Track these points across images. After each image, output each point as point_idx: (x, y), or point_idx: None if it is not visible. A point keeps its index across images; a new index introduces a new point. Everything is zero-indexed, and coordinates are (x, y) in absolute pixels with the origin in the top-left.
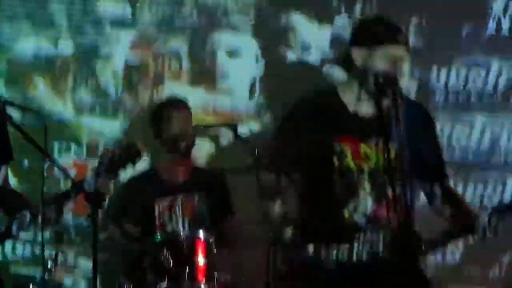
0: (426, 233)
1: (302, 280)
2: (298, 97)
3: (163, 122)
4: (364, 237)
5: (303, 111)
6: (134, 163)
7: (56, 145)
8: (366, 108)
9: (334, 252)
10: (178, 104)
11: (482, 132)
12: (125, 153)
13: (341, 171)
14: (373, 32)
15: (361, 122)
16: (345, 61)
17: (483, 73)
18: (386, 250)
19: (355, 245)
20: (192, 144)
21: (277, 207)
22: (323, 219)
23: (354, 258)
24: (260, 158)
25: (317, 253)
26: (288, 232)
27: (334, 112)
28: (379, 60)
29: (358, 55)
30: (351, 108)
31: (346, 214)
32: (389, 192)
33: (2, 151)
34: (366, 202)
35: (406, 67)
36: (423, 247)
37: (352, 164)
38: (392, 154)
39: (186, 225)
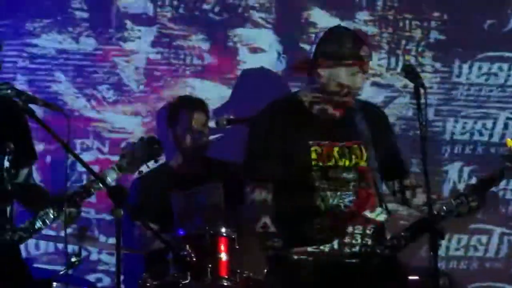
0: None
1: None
2: (265, 105)
3: (175, 120)
4: (345, 233)
5: (270, 118)
6: (155, 159)
7: (78, 142)
8: (328, 111)
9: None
10: (192, 104)
11: (504, 127)
12: (146, 148)
13: (320, 172)
14: (337, 47)
15: (330, 126)
16: (311, 69)
17: (505, 67)
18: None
19: (340, 245)
20: (205, 147)
21: (256, 194)
22: (306, 219)
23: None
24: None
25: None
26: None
27: (302, 117)
28: (342, 73)
29: (323, 66)
30: (316, 113)
31: (325, 209)
32: (365, 190)
33: (26, 151)
34: (342, 197)
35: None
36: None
37: (322, 164)
38: (359, 153)
39: (204, 218)
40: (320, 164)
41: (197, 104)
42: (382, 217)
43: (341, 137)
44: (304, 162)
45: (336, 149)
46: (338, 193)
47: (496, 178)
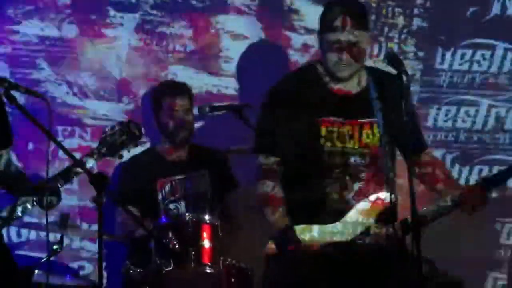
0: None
1: (292, 263)
2: (279, 79)
3: (158, 106)
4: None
5: (283, 94)
6: (135, 142)
7: (60, 129)
8: (344, 86)
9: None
10: (174, 89)
11: (487, 114)
12: (126, 132)
13: (323, 148)
14: (322, 19)
15: (343, 101)
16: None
17: (487, 55)
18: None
19: (347, 226)
20: (187, 132)
21: (270, 188)
22: (310, 201)
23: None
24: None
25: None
26: (281, 213)
27: (316, 91)
28: (328, 47)
29: (320, 40)
30: (329, 86)
31: (334, 195)
32: (375, 173)
33: (2, 135)
34: (352, 178)
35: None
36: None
37: (331, 142)
38: (375, 132)
39: (190, 206)
40: (329, 145)
41: (180, 89)
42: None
43: (354, 114)
44: (313, 140)
45: (347, 128)
46: (343, 182)
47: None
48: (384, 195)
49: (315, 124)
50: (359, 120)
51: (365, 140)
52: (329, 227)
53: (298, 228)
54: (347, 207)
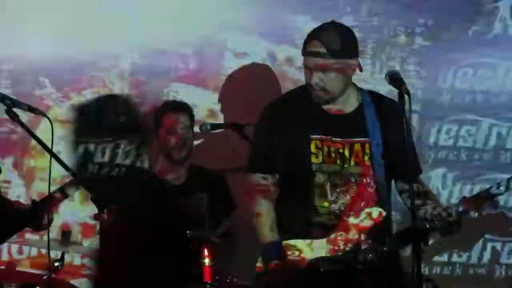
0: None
1: (280, 279)
2: (272, 99)
3: (159, 126)
4: (338, 237)
5: (277, 112)
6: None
7: (62, 145)
8: (339, 107)
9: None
10: (175, 107)
11: (489, 133)
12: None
13: (318, 169)
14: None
15: (335, 120)
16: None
17: (489, 73)
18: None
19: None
20: (187, 150)
21: (261, 206)
22: (299, 217)
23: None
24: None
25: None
26: (269, 232)
27: (308, 110)
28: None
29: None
30: (323, 106)
31: (323, 212)
32: (365, 189)
33: None
34: (340, 197)
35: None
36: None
37: (322, 160)
38: (366, 151)
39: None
40: (319, 162)
41: (181, 108)
42: (366, 223)
43: (344, 133)
44: (303, 157)
45: (337, 146)
46: (334, 195)
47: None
48: (374, 210)
49: (305, 142)
50: (350, 139)
51: (355, 159)
52: (318, 242)
53: (294, 242)
54: (337, 222)
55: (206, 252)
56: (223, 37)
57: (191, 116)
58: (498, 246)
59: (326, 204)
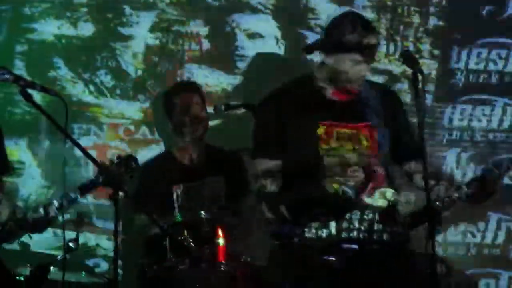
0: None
1: (294, 257)
2: (275, 87)
3: (172, 108)
4: (352, 216)
5: (282, 98)
6: (131, 174)
7: (76, 127)
8: (340, 95)
9: (325, 230)
10: (185, 88)
11: (503, 113)
12: (123, 167)
13: (327, 153)
14: (341, 35)
15: (340, 107)
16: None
17: (503, 54)
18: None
19: (345, 223)
20: (202, 129)
21: (268, 186)
22: (310, 200)
23: (344, 235)
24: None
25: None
26: (282, 210)
27: (313, 98)
28: (346, 62)
29: (329, 54)
30: (327, 93)
31: (334, 194)
32: (373, 171)
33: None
34: (351, 182)
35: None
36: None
37: (333, 146)
38: (373, 136)
39: (205, 208)
40: (325, 146)
41: (192, 88)
42: (381, 202)
43: (348, 118)
44: (311, 142)
45: (343, 130)
46: (342, 178)
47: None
48: (388, 191)
49: (313, 127)
50: (356, 124)
51: (363, 142)
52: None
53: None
54: (348, 204)
55: (220, 232)
56: (236, 18)
57: (202, 96)
58: None
59: (336, 186)
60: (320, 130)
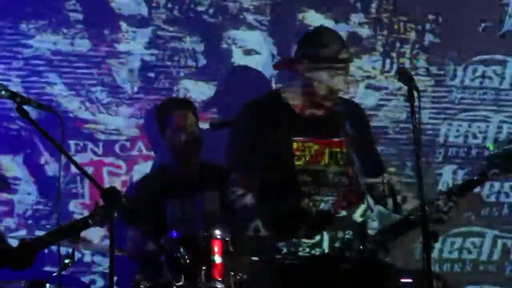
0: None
1: (273, 271)
2: (247, 101)
3: (164, 124)
4: (328, 232)
5: (255, 113)
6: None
7: (72, 143)
8: (311, 110)
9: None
10: (178, 105)
11: (498, 130)
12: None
13: (302, 169)
14: (317, 49)
15: (311, 123)
16: (292, 67)
17: (499, 70)
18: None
19: (321, 238)
20: (197, 143)
21: (244, 200)
22: (289, 214)
23: (319, 252)
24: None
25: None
26: (257, 226)
27: (283, 114)
28: (323, 75)
29: (303, 67)
30: (296, 110)
31: (308, 208)
32: (345, 186)
33: None
34: (326, 194)
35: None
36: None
37: (304, 161)
38: (342, 150)
39: (199, 224)
40: (300, 162)
41: (186, 105)
42: (358, 218)
43: (323, 133)
44: (286, 158)
45: (316, 147)
46: (320, 195)
47: (480, 180)
48: (361, 207)
49: (287, 143)
50: (329, 139)
51: (334, 158)
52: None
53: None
54: (325, 219)
55: (216, 249)
56: (232, 34)
57: (195, 112)
58: (509, 243)
59: (311, 204)
60: (294, 146)
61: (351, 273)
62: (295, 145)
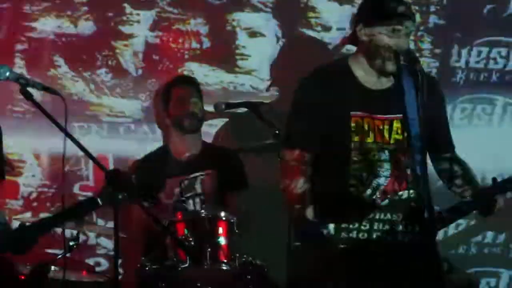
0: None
1: (319, 258)
2: (310, 71)
3: (169, 100)
4: (382, 215)
5: (315, 85)
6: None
7: (77, 125)
8: (377, 82)
9: (353, 230)
10: (184, 82)
11: (503, 111)
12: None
13: (357, 146)
14: (374, 7)
15: (371, 95)
16: (353, 38)
17: (504, 52)
18: (403, 228)
19: (373, 223)
20: (198, 120)
21: (300, 185)
22: (340, 197)
23: (372, 236)
24: (280, 135)
25: (336, 231)
26: (310, 211)
27: (347, 85)
28: (382, 33)
29: (363, 32)
30: (363, 81)
31: (362, 191)
32: (405, 167)
33: None
34: (380, 174)
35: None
36: (437, 222)
37: (368, 139)
38: (405, 128)
39: (199, 205)
40: (357, 139)
41: (190, 81)
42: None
43: (385, 109)
44: (343, 133)
45: (377, 122)
46: (372, 174)
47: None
48: (405, 193)
49: (345, 118)
50: (390, 115)
51: (394, 136)
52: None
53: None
54: (371, 204)
55: (220, 231)
56: (236, 16)
57: (199, 90)
58: None
59: (361, 188)
60: (352, 123)
61: (394, 259)
62: (353, 120)
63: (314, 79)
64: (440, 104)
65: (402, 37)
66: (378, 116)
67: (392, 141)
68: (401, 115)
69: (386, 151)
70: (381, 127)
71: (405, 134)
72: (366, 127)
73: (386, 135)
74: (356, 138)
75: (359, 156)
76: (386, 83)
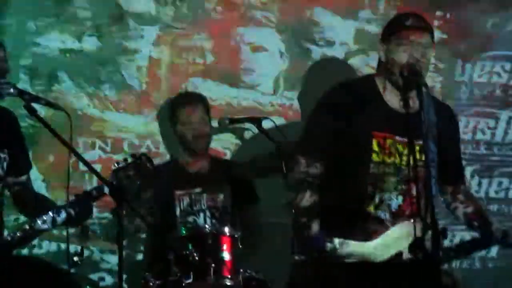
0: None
1: (321, 272)
2: (337, 83)
3: (175, 118)
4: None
5: (341, 97)
6: (146, 177)
7: (81, 141)
8: (397, 102)
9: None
10: (189, 100)
11: (507, 126)
12: (138, 167)
13: (370, 164)
14: (392, 23)
15: (394, 116)
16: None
17: (507, 66)
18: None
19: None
20: (207, 143)
21: (306, 199)
22: (347, 212)
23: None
24: (283, 149)
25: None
26: (315, 226)
27: (372, 103)
28: (394, 48)
29: (381, 50)
30: (387, 100)
31: (371, 209)
32: (414, 188)
33: (22, 160)
34: (391, 197)
35: (430, 55)
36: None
37: (381, 158)
38: (418, 150)
39: (209, 219)
40: (376, 158)
41: (195, 99)
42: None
43: (407, 132)
44: (362, 150)
45: (398, 145)
46: (386, 195)
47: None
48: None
49: (367, 136)
50: (411, 140)
51: (412, 159)
52: (363, 245)
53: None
54: (382, 226)
55: (224, 246)
56: (240, 31)
57: (206, 107)
58: None
59: (371, 209)
60: (374, 142)
61: (397, 276)
62: (375, 140)
63: (340, 92)
64: (455, 135)
65: (414, 51)
66: (401, 139)
67: (410, 165)
68: (420, 141)
69: (403, 174)
70: (402, 150)
71: (423, 159)
72: (387, 147)
73: (405, 158)
74: (375, 157)
75: (375, 175)
76: (411, 105)
